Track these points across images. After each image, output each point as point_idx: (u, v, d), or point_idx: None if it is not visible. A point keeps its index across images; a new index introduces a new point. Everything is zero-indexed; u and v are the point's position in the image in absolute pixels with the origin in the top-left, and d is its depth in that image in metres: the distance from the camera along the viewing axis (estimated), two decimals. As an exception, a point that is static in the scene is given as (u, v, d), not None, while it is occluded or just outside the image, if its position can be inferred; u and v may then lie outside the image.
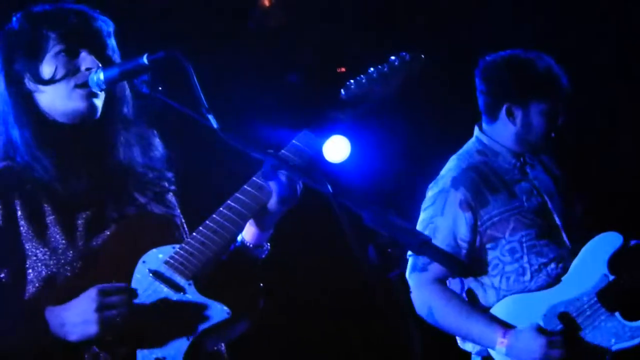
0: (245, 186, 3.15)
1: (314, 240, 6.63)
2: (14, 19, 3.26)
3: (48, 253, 3.07)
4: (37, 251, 3.07)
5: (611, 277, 4.43)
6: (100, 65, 3.15)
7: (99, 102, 3.19)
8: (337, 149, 7.29)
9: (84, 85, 3.14)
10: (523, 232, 4.53)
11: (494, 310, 4.46)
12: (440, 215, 4.55)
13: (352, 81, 3.38)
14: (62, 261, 3.06)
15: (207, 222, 3.11)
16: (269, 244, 3.25)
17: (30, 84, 3.19)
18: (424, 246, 2.65)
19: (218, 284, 3.11)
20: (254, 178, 3.14)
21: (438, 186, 4.64)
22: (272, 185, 3.08)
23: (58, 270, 3.05)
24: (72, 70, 3.16)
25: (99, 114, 3.20)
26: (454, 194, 4.54)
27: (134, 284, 3.04)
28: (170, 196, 3.39)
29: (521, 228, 4.53)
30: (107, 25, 3.26)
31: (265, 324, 3.39)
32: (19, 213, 3.10)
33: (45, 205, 3.13)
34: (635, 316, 4.43)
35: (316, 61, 7.11)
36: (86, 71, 3.14)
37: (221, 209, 3.12)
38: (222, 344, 3.28)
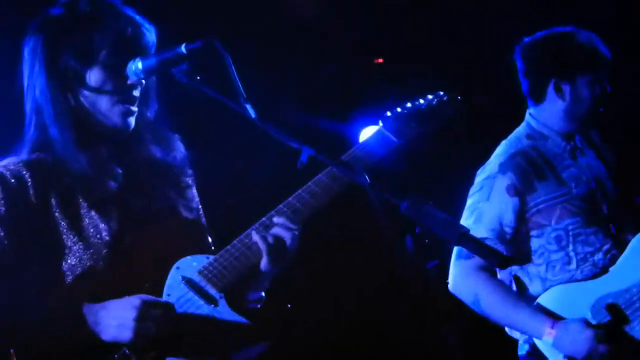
0: (291, 199, 3.18)
1: (349, 233, 6.62)
2: (58, 10, 3.24)
3: (82, 247, 3.09)
4: (72, 244, 3.09)
5: None
6: (144, 74, 3.16)
7: (133, 120, 3.23)
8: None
9: (127, 101, 3.18)
10: (570, 220, 4.45)
11: (541, 300, 4.39)
12: (486, 200, 4.49)
13: (389, 113, 3.37)
14: (96, 256, 3.09)
15: (243, 237, 3.16)
16: (264, 294, 3.28)
17: (74, 83, 3.20)
18: (462, 237, 2.63)
19: (242, 307, 3.17)
20: (298, 192, 3.18)
21: (485, 172, 4.59)
22: (261, 244, 3.10)
23: (92, 265, 3.08)
24: (120, 83, 3.18)
25: (132, 128, 3.24)
26: (501, 179, 4.49)
27: (167, 290, 3.08)
28: (195, 195, 3.41)
29: (568, 216, 4.46)
30: (154, 36, 3.28)
31: (301, 316, 3.39)
32: (55, 205, 3.12)
33: (81, 200, 3.15)
34: None
35: (354, 52, 7.10)
36: (131, 86, 3.18)
37: (263, 219, 3.16)
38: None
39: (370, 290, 6.92)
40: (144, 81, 3.21)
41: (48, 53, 3.20)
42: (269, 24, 6.63)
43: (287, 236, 3.12)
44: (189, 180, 3.41)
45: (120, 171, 3.22)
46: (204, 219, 3.40)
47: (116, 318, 2.93)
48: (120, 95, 3.18)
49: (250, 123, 2.90)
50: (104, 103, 3.18)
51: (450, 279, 4.46)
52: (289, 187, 3.26)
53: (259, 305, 3.25)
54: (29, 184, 3.11)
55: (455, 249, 4.46)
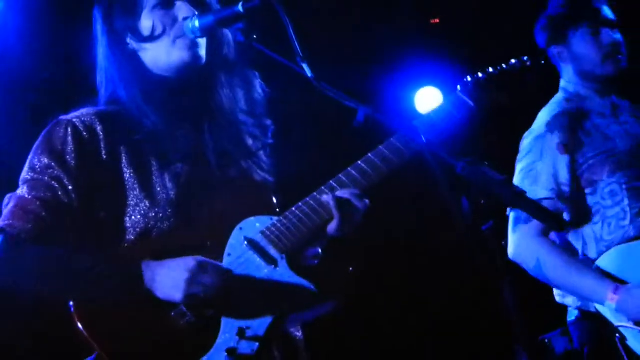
0: (349, 169, 3.15)
1: (405, 195, 6.61)
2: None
3: (148, 205, 3.12)
4: (139, 201, 3.12)
5: None
6: (196, 12, 3.17)
7: (202, 51, 3.21)
8: (428, 99, 7.24)
9: (184, 34, 3.16)
10: (621, 172, 4.41)
11: (601, 263, 4.35)
12: (540, 160, 4.48)
13: (469, 78, 3.31)
14: (161, 215, 3.11)
15: (308, 199, 3.14)
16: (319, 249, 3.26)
17: (132, 43, 3.23)
18: (518, 198, 2.61)
19: (309, 262, 3.17)
20: (361, 160, 3.15)
21: (532, 134, 4.58)
22: (334, 208, 3.07)
23: (156, 224, 3.11)
24: (170, 23, 3.18)
25: (204, 61, 3.22)
26: (551, 138, 4.48)
27: (228, 249, 3.09)
28: (268, 155, 3.40)
29: (619, 169, 4.42)
30: None
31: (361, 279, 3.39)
32: (124, 160, 3.15)
33: (151, 157, 3.17)
34: None
35: (411, 12, 7.05)
36: (184, 20, 3.16)
37: (322, 187, 3.15)
38: (300, 330, 3.30)
39: (429, 253, 6.94)
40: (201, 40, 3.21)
41: (104, 22, 3.25)
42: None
43: (358, 203, 3.10)
44: (265, 135, 3.38)
45: (193, 127, 3.23)
46: (272, 178, 3.38)
47: (170, 277, 2.96)
48: (176, 31, 3.17)
49: (307, 82, 2.90)
50: (164, 45, 3.19)
51: (510, 245, 4.40)
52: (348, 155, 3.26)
53: (315, 262, 3.24)
54: (101, 137, 3.15)
55: (512, 215, 4.41)
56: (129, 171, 3.14)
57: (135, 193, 3.13)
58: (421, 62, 7.15)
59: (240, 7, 3.00)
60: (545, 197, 4.34)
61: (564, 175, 4.43)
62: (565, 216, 4.41)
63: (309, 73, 2.88)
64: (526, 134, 4.63)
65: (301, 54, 2.88)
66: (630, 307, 4.16)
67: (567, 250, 4.44)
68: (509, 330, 4.41)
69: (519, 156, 4.59)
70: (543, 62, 3.31)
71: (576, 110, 4.58)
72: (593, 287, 4.25)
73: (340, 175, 3.15)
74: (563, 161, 4.45)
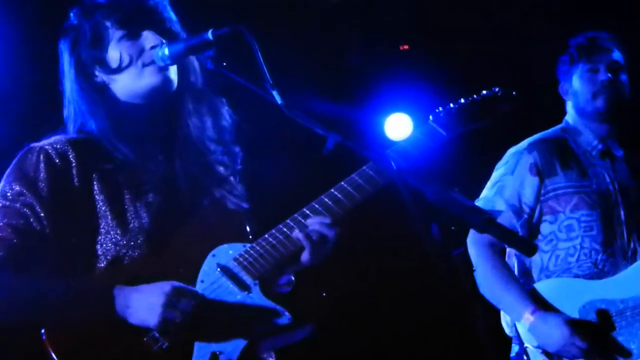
0: (322, 197, 3.17)
1: (374, 220, 6.60)
2: (71, 14, 3.29)
3: (120, 233, 3.11)
4: (110, 229, 3.11)
5: None
6: (163, 40, 3.17)
7: (172, 75, 3.21)
8: (399, 126, 7.26)
9: (152, 62, 3.16)
10: (584, 211, 4.52)
11: (538, 286, 4.46)
12: (510, 174, 4.61)
13: (441, 109, 3.34)
14: (133, 243, 3.11)
15: (281, 226, 3.15)
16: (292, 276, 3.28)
17: (101, 75, 3.22)
18: (489, 224, 2.62)
19: (281, 290, 3.20)
20: (333, 189, 3.17)
21: (514, 148, 4.72)
22: (304, 240, 3.10)
23: (127, 252, 3.10)
24: (137, 53, 3.18)
25: (175, 85, 3.22)
26: (527, 157, 4.61)
27: (201, 276, 3.09)
28: (239, 182, 3.39)
29: (584, 207, 4.52)
30: (162, 2, 3.27)
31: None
32: (96, 188, 3.13)
33: (123, 187, 3.16)
34: None
35: (378, 38, 7.08)
36: (151, 49, 3.16)
37: (295, 215, 3.16)
38: (273, 356, 3.31)
39: (396, 278, 6.93)
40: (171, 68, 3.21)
41: (71, 58, 3.25)
42: (293, 10, 6.62)
43: (329, 233, 3.11)
44: (234, 162, 3.38)
45: (163, 156, 3.23)
46: (246, 204, 3.38)
47: (145, 302, 2.95)
48: (144, 59, 3.17)
49: (276, 110, 2.89)
50: (133, 73, 3.18)
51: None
52: (320, 181, 3.26)
53: (288, 289, 3.25)
54: (73, 164, 3.14)
55: None
56: (100, 199, 3.13)
57: (106, 221, 3.12)
58: (391, 88, 7.18)
59: (209, 35, 3.00)
60: (502, 211, 4.49)
61: (528, 196, 4.56)
62: (521, 234, 4.50)
63: (278, 100, 2.88)
64: (511, 148, 4.75)
65: (270, 81, 2.88)
66: (541, 332, 4.30)
67: (505, 264, 4.55)
68: (480, 356, 4.42)
69: (498, 164, 4.73)
70: (515, 93, 3.34)
71: (565, 141, 4.71)
72: (514, 303, 4.40)
73: (313, 203, 3.16)
74: (531, 182, 4.57)
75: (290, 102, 2.89)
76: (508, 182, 4.60)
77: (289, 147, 6.17)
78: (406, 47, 7.18)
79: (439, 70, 6.99)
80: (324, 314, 3.22)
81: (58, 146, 3.16)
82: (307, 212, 3.15)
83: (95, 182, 3.14)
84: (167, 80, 3.19)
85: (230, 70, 3.01)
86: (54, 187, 3.10)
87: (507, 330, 4.59)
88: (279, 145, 6.30)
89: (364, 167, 3.17)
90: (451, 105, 3.34)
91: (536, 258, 4.55)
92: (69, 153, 3.15)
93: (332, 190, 3.17)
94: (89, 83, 3.22)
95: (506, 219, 4.49)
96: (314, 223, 3.12)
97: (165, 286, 2.96)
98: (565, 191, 4.54)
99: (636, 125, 4.83)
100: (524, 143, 4.69)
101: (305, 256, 3.13)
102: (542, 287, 4.47)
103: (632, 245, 4.51)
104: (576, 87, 4.72)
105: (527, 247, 2.70)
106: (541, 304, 4.38)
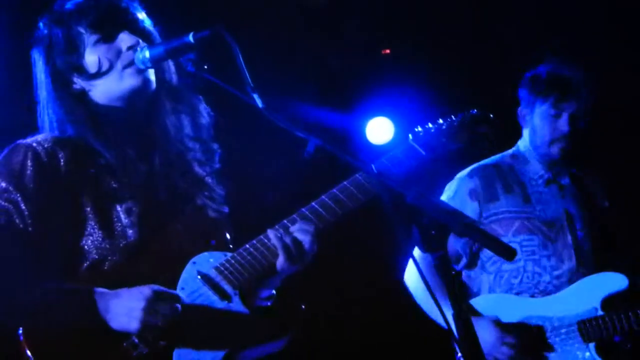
0: (303, 209, 3.18)
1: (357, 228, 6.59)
2: (41, 24, 3.26)
3: (103, 236, 3.10)
4: (93, 232, 3.10)
5: (600, 313, 4.48)
6: (139, 40, 3.16)
7: (151, 75, 3.20)
8: (381, 130, 7.27)
9: (131, 63, 3.15)
10: (525, 236, 4.64)
11: (476, 300, 4.59)
12: (452, 199, 4.72)
13: (420, 129, 3.38)
14: (114, 247, 3.10)
15: (262, 236, 3.16)
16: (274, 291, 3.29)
17: (80, 82, 3.20)
18: (468, 227, 2.63)
19: (253, 303, 3.18)
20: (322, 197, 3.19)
21: (459, 174, 4.82)
22: (279, 246, 3.11)
23: (109, 255, 3.09)
24: (114, 55, 3.16)
25: (154, 85, 3.21)
26: (467, 182, 4.73)
27: (181, 283, 3.08)
28: (217, 184, 3.39)
29: (524, 231, 4.64)
30: (133, 3, 3.26)
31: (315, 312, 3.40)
32: (83, 190, 3.12)
33: (106, 191, 3.15)
34: (607, 355, 4.46)
35: (360, 42, 7.09)
36: (129, 50, 3.15)
37: (277, 225, 3.16)
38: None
39: (377, 284, 6.92)
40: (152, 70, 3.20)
41: (47, 67, 3.22)
42: (275, 13, 6.62)
43: (306, 240, 3.13)
44: (213, 160, 3.38)
45: (145, 159, 3.22)
46: (226, 209, 3.38)
47: (126, 306, 2.93)
48: (122, 60, 3.15)
49: (257, 113, 2.89)
50: (113, 78, 3.17)
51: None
52: (311, 186, 3.27)
53: (269, 303, 3.25)
54: (62, 163, 3.12)
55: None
56: (85, 201, 3.12)
57: (91, 223, 3.10)
58: (372, 92, 7.18)
59: (190, 38, 3.00)
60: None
61: None
62: (464, 258, 4.70)
63: (259, 103, 2.88)
64: (460, 171, 4.86)
65: (251, 84, 2.88)
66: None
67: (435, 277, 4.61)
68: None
69: (445, 187, 4.85)
70: (492, 115, 3.39)
71: (512, 167, 4.82)
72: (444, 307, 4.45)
73: (294, 216, 3.17)
74: (471, 207, 4.70)
75: (271, 105, 2.89)
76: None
77: (270, 149, 6.16)
78: (388, 51, 7.19)
79: (420, 75, 7.00)
80: (303, 325, 3.22)
81: (46, 144, 3.14)
82: (287, 224, 3.16)
83: (81, 183, 3.12)
84: (147, 81, 3.18)
85: (211, 73, 3.01)
86: (41, 185, 3.08)
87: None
88: (261, 148, 6.29)
89: (345, 182, 3.20)
90: (430, 125, 3.39)
91: (483, 279, 4.68)
92: (58, 152, 3.13)
93: (313, 204, 3.18)
94: (66, 91, 3.20)
95: (450, 243, 4.67)
96: (295, 232, 3.13)
97: (146, 290, 2.95)
98: (506, 216, 4.66)
99: (584, 154, 4.89)
100: (468, 169, 4.79)
101: (280, 263, 3.13)
102: (480, 301, 4.60)
103: (580, 270, 4.60)
104: (536, 124, 4.75)
105: (507, 251, 2.71)
106: (474, 315, 4.47)
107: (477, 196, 4.69)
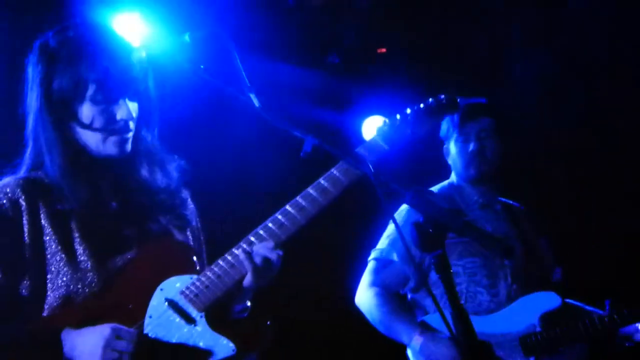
0: (267, 222, 3.20)
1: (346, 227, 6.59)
2: (50, 41, 3.23)
3: (70, 271, 3.14)
4: (60, 268, 3.14)
5: (538, 329, 4.80)
6: (133, 116, 3.20)
7: (129, 145, 3.25)
8: (376, 128, 7.25)
9: (119, 133, 3.19)
10: (468, 259, 4.89)
11: (431, 317, 4.83)
12: (402, 226, 4.81)
13: (386, 121, 3.39)
14: (83, 282, 3.14)
15: (226, 255, 3.19)
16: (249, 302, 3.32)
17: (66, 115, 3.20)
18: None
19: (227, 318, 3.23)
20: (273, 217, 3.21)
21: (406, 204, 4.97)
22: (247, 264, 3.14)
23: (78, 290, 3.14)
24: (107, 120, 3.18)
25: (128, 151, 3.25)
26: (411, 212, 4.90)
27: (150, 311, 3.13)
28: (188, 215, 3.44)
29: (467, 255, 4.89)
30: (143, 65, 3.25)
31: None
32: (47, 230, 3.16)
33: (73, 226, 3.18)
34: None
35: (357, 41, 7.08)
36: (121, 120, 3.18)
37: (241, 243, 3.19)
38: None
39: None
40: (133, 106, 3.22)
41: (42, 83, 3.21)
42: (271, 12, 6.61)
43: (272, 256, 3.15)
44: (184, 201, 3.44)
45: (114, 204, 3.27)
46: (191, 241, 3.43)
47: (88, 345, 3.01)
48: (110, 129, 3.19)
49: (254, 113, 2.89)
50: (95, 138, 3.20)
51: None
52: (292, 188, 3.28)
53: (245, 314, 3.30)
54: (23, 207, 3.16)
55: (369, 273, 5.01)
56: (51, 240, 3.16)
57: (57, 261, 3.14)
58: (368, 91, 7.18)
59: (187, 37, 3.00)
60: (395, 260, 4.93)
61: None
62: (412, 282, 4.98)
63: (256, 103, 2.88)
64: None
65: (248, 84, 2.88)
66: (430, 351, 4.63)
67: (394, 299, 4.97)
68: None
69: (394, 215, 5.05)
70: (459, 99, 3.43)
71: (449, 195, 5.12)
72: (404, 328, 4.79)
73: (258, 229, 3.19)
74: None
75: (268, 104, 2.89)
76: (398, 236, 4.82)
77: (268, 148, 6.16)
78: (384, 50, 7.19)
79: (416, 73, 7.00)
80: (269, 343, 3.26)
81: (8, 190, 3.18)
82: (252, 239, 3.18)
83: (45, 223, 3.16)
84: (124, 151, 3.23)
85: (207, 73, 3.00)
86: (3, 234, 3.13)
87: None
88: (258, 147, 6.29)
89: (308, 189, 3.22)
90: (397, 116, 3.38)
91: (428, 302, 4.93)
92: (19, 196, 3.17)
93: (276, 214, 3.20)
94: (55, 124, 3.21)
95: (399, 268, 4.94)
96: (259, 248, 3.15)
97: (105, 329, 3.02)
98: (450, 241, 4.76)
99: (511, 181, 5.24)
100: None
101: (248, 280, 3.16)
102: (429, 319, 4.83)
103: (514, 286, 4.89)
104: (453, 154, 5.12)
105: (505, 249, 2.71)
106: (428, 330, 4.74)
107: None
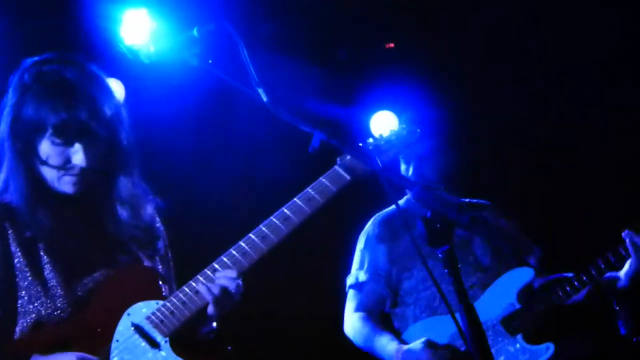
0: (231, 249, 3.29)
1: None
2: (25, 69, 3.28)
3: (41, 297, 3.18)
4: (31, 294, 3.18)
5: (517, 306, 4.87)
6: (90, 162, 3.20)
7: (84, 185, 3.26)
8: (384, 124, 7.25)
9: (72, 173, 3.22)
10: (433, 262, 4.81)
11: (406, 333, 4.96)
12: (364, 248, 5.19)
13: (347, 154, 3.38)
14: (53, 306, 3.19)
15: (192, 281, 3.27)
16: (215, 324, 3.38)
17: (29, 149, 3.24)
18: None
19: (195, 339, 3.31)
20: (239, 243, 3.29)
21: (366, 226, 5.26)
22: (207, 295, 3.22)
23: (48, 314, 3.18)
24: (62, 162, 3.21)
25: (88, 189, 3.28)
26: (372, 230, 5.16)
27: (116, 335, 3.19)
28: (158, 243, 3.48)
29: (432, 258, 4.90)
30: (117, 110, 3.29)
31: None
32: (16, 254, 3.20)
33: (42, 252, 3.23)
34: (536, 340, 4.84)
35: (364, 37, 7.08)
36: (76, 162, 3.20)
37: (205, 270, 3.27)
38: None
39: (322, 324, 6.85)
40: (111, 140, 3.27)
41: (13, 110, 3.25)
42: (279, 7, 6.62)
43: (231, 286, 3.23)
44: (156, 234, 3.48)
45: (82, 232, 3.30)
46: (159, 266, 3.47)
47: None
48: (66, 169, 3.22)
49: (262, 107, 2.89)
50: (51, 174, 3.24)
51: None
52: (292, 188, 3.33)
53: (212, 336, 3.38)
54: None
55: (350, 301, 5.17)
56: (19, 265, 3.20)
57: (27, 286, 3.18)
58: (377, 86, 7.17)
59: (195, 32, 3.00)
60: (365, 281, 5.10)
61: (382, 262, 5.13)
62: (388, 301, 5.10)
63: (264, 97, 2.88)
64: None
65: (256, 78, 2.88)
66: (411, 357, 4.74)
67: (372, 320, 5.09)
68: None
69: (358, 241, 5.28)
70: (419, 130, 3.50)
71: (409, 208, 4.97)
72: (385, 343, 4.92)
73: (222, 257, 3.28)
74: (380, 250, 5.13)
75: (276, 99, 2.89)
76: (364, 255, 5.18)
77: (277, 144, 6.16)
78: (392, 45, 7.19)
79: (424, 69, 6.99)
80: None
81: None
82: (216, 266, 3.27)
83: (14, 248, 3.21)
84: (80, 189, 3.26)
85: (215, 68, 3.01)
86: None
87: None
88: (265, 142, 6.30)
89: (271, 217, 3.31)
90: (360, 144, 3.48)
91: (407, 312, 5.04)
92: None
93: (240, 242, 3.29)
94: (18, 147, 3.24)
95: (370, 286, 5.11)
96: (220, 277, 3.23)
97: (71, 357, 3.07)
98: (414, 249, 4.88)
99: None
100: (371, 219, 5.23)
101: (210, 310, 3.25)
102: (409, 332, 4.97)
103: (485, 279, 4.92)
104: (402, 166, 5.04)
105: (510, 243, 2.71)
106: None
107: (382, 239, 5.10)
